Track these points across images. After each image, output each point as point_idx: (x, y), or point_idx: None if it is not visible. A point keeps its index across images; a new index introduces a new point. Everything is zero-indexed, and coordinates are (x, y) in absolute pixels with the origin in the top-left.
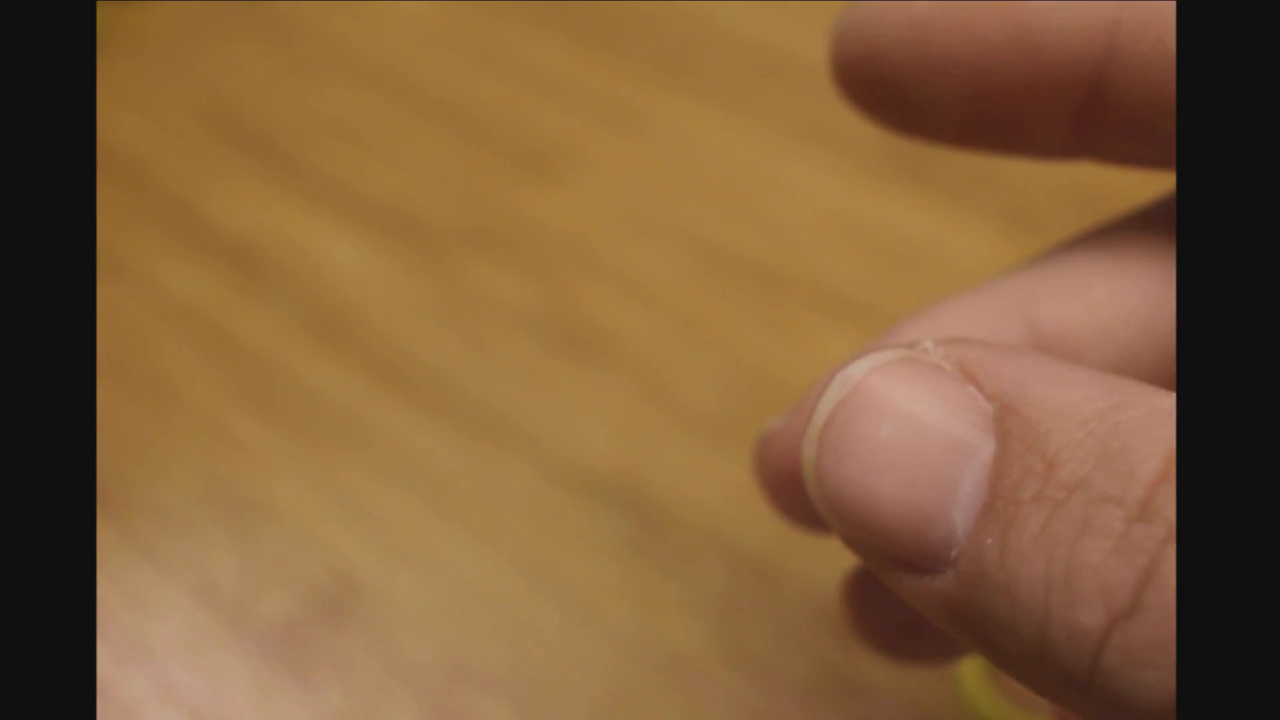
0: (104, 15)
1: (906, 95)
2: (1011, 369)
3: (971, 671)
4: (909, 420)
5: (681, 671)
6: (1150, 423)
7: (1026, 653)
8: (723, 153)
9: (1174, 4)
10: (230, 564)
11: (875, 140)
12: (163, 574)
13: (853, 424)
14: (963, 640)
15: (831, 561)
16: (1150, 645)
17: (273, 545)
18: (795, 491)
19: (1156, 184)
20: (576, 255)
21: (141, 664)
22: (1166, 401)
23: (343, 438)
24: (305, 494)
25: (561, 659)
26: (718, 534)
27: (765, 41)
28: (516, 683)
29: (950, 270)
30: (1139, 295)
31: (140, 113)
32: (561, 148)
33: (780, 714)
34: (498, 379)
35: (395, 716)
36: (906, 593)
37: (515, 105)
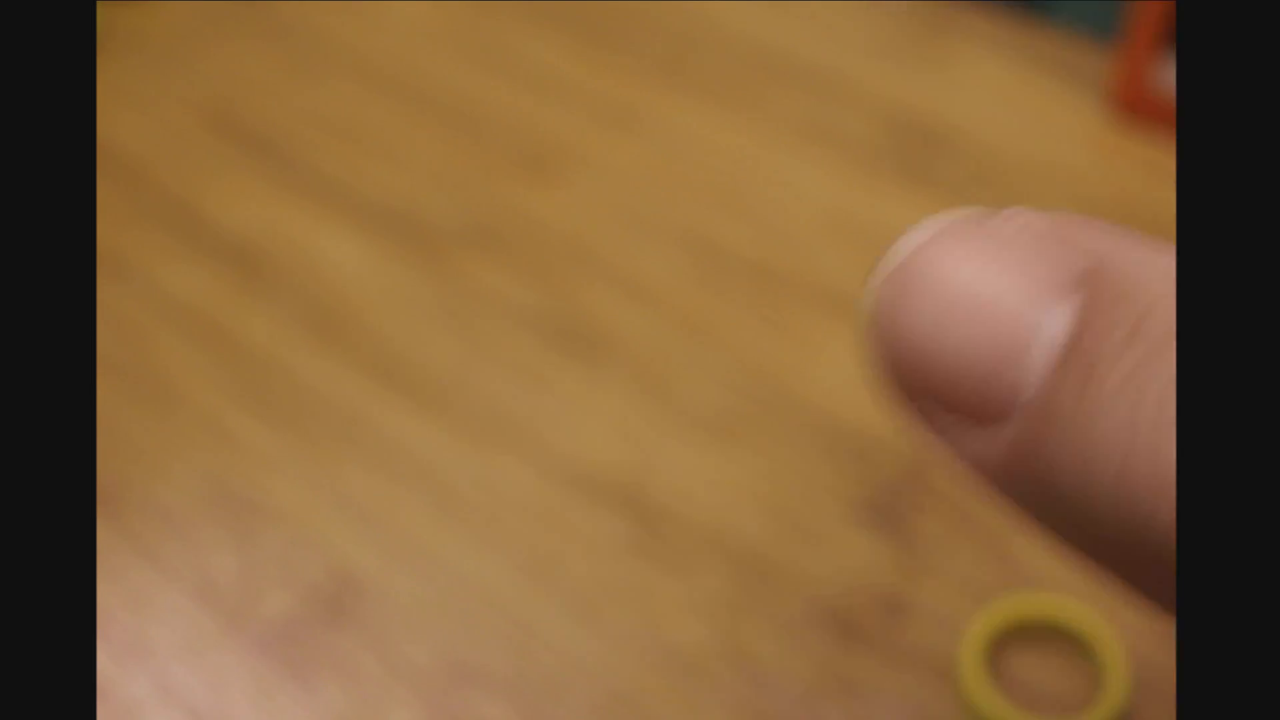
0: (104, 15)
1: None
2: (1105, 233)
3: (971, 671)
4: (997, 261)
5: (681, 671)
6: None
7: (1097, 499)
8: (722, 153)
9: None
10: (230, 564)
11: (875, 140)
12: (163, 574)
13: (933, 264)
14: (1018, 500)
15: (832, 561)
16: None
17: (273, 545)
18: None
19: (1159, 187)
20: (576, 255)
21: (141, 664)
22: None
23: (343, 437)
24: (305, 494)
25: (562, 659)
26: (718, 534)
27: (765, 41)
28: (516, 682)
29: None
30: None
31: (140, 112)
32: (561, 148)
33: (780, 714)
34: (498, 379)
35: (395, 716)
36: (966, 449)
37: (515, 105)
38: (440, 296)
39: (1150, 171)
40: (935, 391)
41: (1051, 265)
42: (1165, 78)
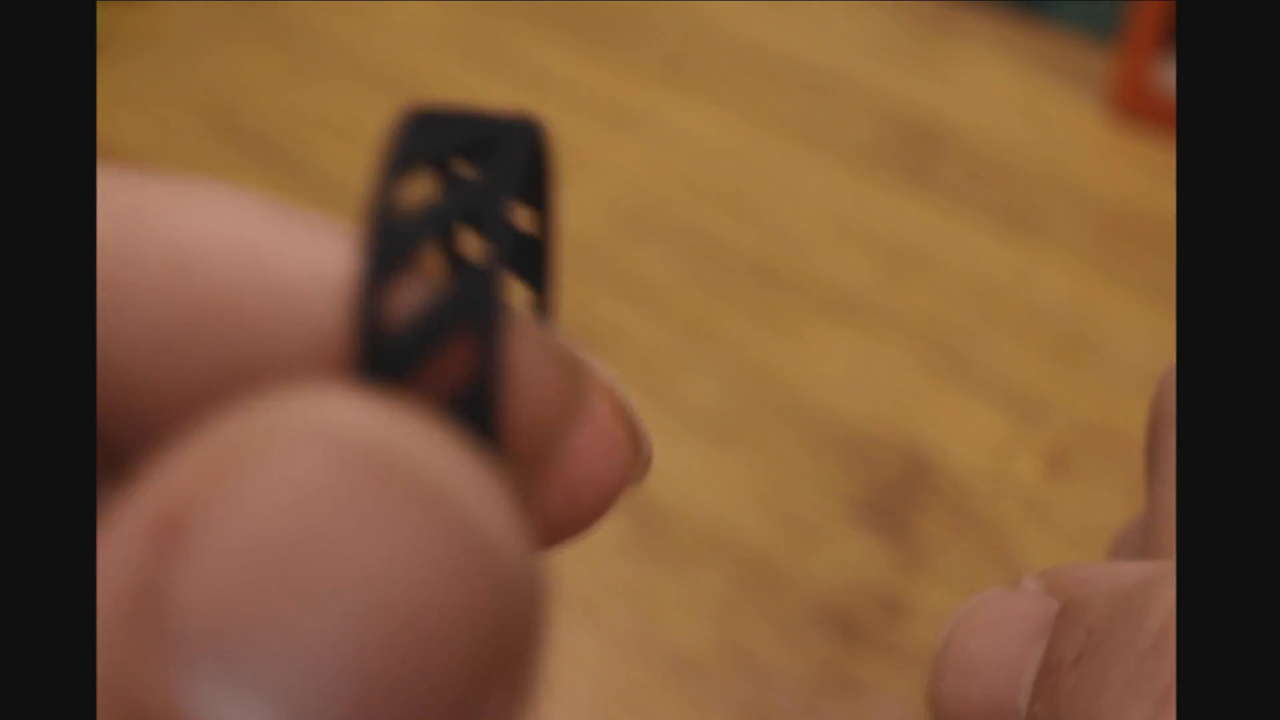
0: (105, 16)
1: None
2: (1083, 574)
3: None
4: (991, 631)
5: (681, 671)
6: (1163, 589)
7: None
8: (723, 153)
9: None
10: None
11: (875, 140)
12: None
13: (953, 643)
14: None
15: (832, 561)
16: None
17: None
18: None
19: (1159, 187)
20: (577, 255)
21: None
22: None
23: None
24: None
25: (561, 659)
26: (718, 534)
27: (765, 42)
28: None
29: (950, 270)
30: None
31: (141, 113)
32: (561, 148)
33: (780, 714)
34: None
35: None
36: None
37: (515, 105)
38: None
39: (1150, 171)
40: None
41: (1032, 624)
42: (1165, 78)
